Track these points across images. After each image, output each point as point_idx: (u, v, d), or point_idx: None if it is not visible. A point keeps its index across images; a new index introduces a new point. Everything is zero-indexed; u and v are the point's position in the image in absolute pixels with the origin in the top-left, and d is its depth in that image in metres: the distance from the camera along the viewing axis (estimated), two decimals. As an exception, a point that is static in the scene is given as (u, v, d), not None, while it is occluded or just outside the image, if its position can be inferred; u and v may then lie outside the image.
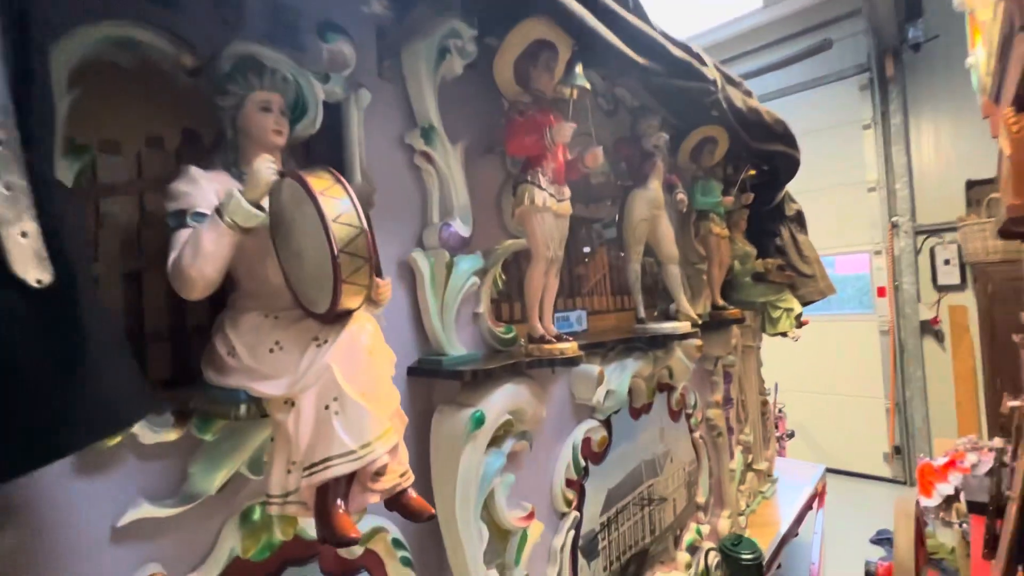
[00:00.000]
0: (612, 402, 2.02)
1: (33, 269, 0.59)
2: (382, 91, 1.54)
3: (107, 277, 1.09)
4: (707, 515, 2.84)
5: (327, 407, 0.86)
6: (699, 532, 2.67)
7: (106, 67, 1.05)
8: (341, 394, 0.86)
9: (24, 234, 0.59)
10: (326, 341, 0.91)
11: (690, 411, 2.74)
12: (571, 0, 1.44)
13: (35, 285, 0.59)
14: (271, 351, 0.92)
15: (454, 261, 1.57)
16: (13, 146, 0.59)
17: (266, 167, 0.89)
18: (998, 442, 3.49)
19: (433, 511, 0.99)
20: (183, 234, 0.90)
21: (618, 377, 2.06)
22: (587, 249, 2.55)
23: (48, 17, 0.80)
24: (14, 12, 0.63)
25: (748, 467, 3.63)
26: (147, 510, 1.00)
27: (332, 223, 0.83)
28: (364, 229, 0.86)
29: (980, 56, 3.00)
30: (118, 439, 0.97)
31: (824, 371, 6.89)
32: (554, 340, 1.59)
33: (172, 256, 0.88)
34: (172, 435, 1.04)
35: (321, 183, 0.87)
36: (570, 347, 1.57)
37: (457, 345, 1.59)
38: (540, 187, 1.57)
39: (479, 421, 1.39)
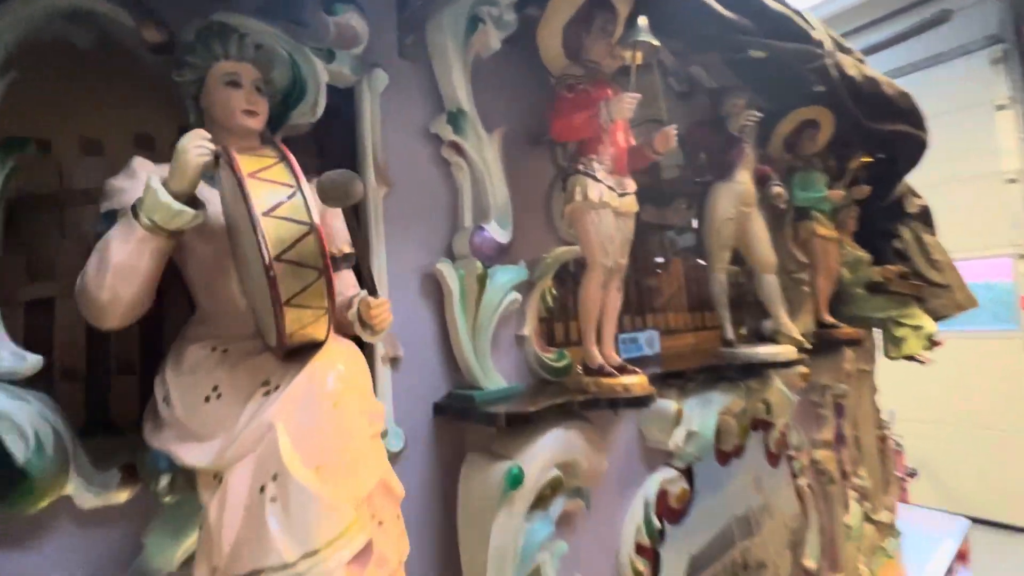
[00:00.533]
0: (694, 446, 1.62)
1: None
2: (404, 73, 1.30)
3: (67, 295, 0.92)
4: (818, 583, 2.30)
5: (262, 489, 0.59)
6: (809, 606, 2.15)
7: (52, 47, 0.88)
8: (282, 471, 0.59)
9: None
10: (276, 387, 0.65)
11: (793, 453, 2.24)
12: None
13: None
14: (207, 399, 0.68)
15: (489, 273, 1.28)
16: None
17: (194, 146, 0.65)
18: None
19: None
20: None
21: (702, 414, 1.66)
22: (659, 258, 2.17)
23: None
24: None
25: (867, 518, 2.98)
26: (84, 594, 0.78)
27: (263, 217, 0.57)
28: (314, 226, 0.60)
29: None
30: (44, 503, 0.77)
31: (953, 397, 5.78)
32: (616, 372, 1.24)
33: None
34: (120, 496, 0.82)
35: (256, 162, 0.62)
36: (637, 382, 1.22)
37: (495, 376, 1.29)
38: (596, 178, 1.24)
39: (516, 480, 1.07)
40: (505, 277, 1.30)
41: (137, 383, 0.95)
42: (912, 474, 5.56)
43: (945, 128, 5.70)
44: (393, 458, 1.16)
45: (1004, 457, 5.57)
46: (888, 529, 3.25)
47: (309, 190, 0.62)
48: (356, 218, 1.21)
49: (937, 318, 2.93)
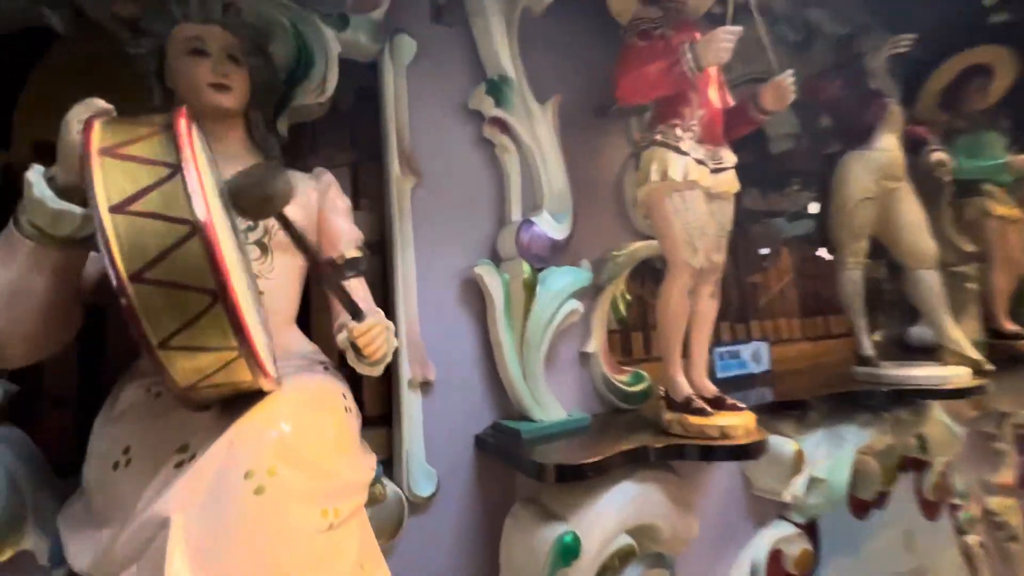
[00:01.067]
0: (820, 496, 1.24)
1: None
2: (439, 40, 1.09)
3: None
4: (997, 674, 1.75)
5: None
6: None
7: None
8: None
9: None
10: (193, 456, 0.46)
11: (958, 502, 1.72)
12: None
13: None
14: (115, 465, 0.51)
15: (540, 277, 1.02)
16: None
17: (74, 120, 0.48)
18: None
19: None
20: None
21: (831, 455, 1.27)
22: (764, 251, 1.77)
23: None
24: None
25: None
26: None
27: (108, 215, 0.38)
28: (198, 224, 0.39)
29: None
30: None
31: None
32: (709, 408, 0.92)
33: None
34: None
35: (125, 131, 0.42)
36: (740, 423, 0.90)
37: (550, 403, 1.04)
38: (679, 150, 0.94)
39: (570, 551, 0.81)
40: (562, 281, 1.04)
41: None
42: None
43: None
44: (423, 505, 0.96)
45: None
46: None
47: (208, 171, 0.43)
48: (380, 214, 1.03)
49: None
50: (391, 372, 0.98)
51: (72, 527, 0.50)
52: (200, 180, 0.40)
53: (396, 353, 0.98)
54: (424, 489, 0.95)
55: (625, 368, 1.19)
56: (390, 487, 0.91)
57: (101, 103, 0.49)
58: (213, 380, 0.44)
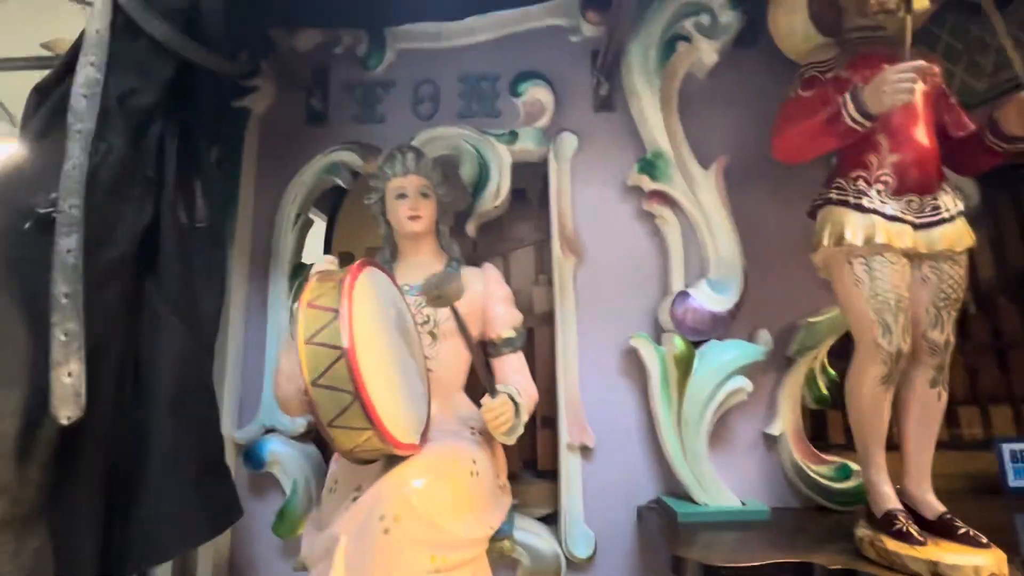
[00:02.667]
0: None
1: (67, 407, 0.66)
2: (602, 128, 1.19)
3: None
4: None
5: (314, 606, 0.61)
6: None
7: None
8: None
9: (69, 374, 0.67)
10: (360, 491, 0.67)
11: None
12: None
13: (64, 422, 0.65)
14: (330, 490, 0.76)
15: (698, 353, 0.98)
16: (77, 298, 0.69)
17: (313, 271, 0.76)
18: None
19: None
20: None
21: None
22: None
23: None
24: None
25: None
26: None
27: (304, 346, 0.60)
28: (344, 350, 0.58)
29: None
30: (294, 535, 1.02)
31: None
32: (918, 535, 0.71)
33: None
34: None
35: (319, 288, 0.66)
36: (968, 564, 0.66)
37: (719, 488, 0.97)
38: (860, 207, 0.79)
39: (710, 662, 0.75)
40: (724, 356, 0.97)
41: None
42: None
43: None
44: (581, 566, 1.02)
45: None
46: None
47: (368, 307, 0.63)
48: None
49: None
50: (550, 433, 1.10)
51: (309, 526, 0.78)
52: (350, 320, 0.62)
53: (557, 417, 1.09)
54: (582, 550, 1.01)
55: (827, 458, 1.00)
56: (548, 541, 1.01)
57: (328, 260, 0.79)
58: (364, 447, 0.64)
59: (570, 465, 1.05)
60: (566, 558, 1.01)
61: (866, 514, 0.80)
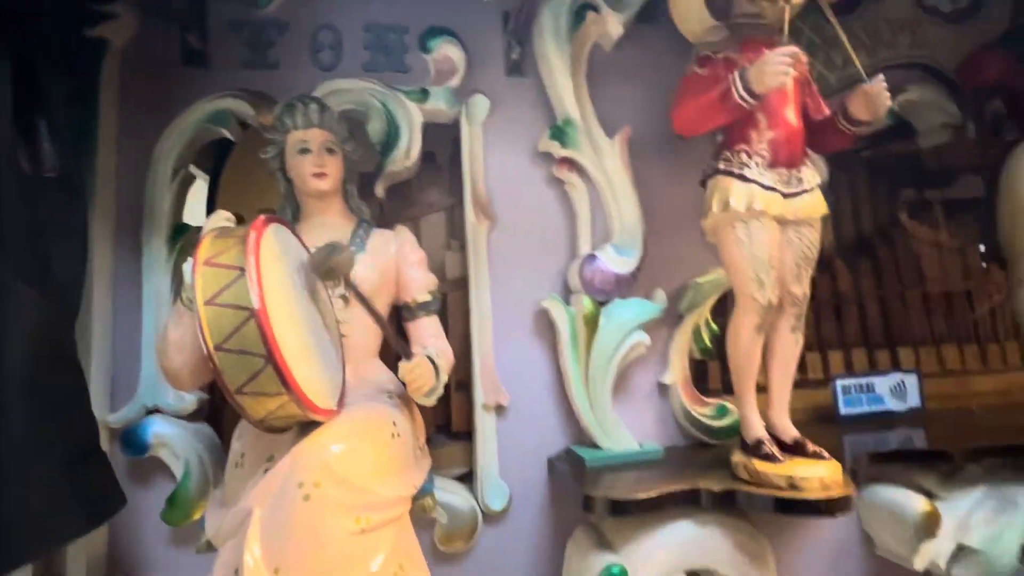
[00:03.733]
0: (973, 570, 1.02)
1: None
2: (514, 92, 1.19)
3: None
4: None
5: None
6: None
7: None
8: (240, 569, 0.56)
9: None
10: (272, 462, 0.64)
11: None
12: None
13: None
14: (236, 465, 0.71)
15: (603, 311, 1.06)
16: None
17: (206, 228, 0.69)
18: None
19: None
20: None
21: (992, 523, 1.04)
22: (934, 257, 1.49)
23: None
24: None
25: None
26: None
27: (204, 306, 0.55)
28: (253, 311, 0.55)
29: None
30: (187, 521, 0.94)
31: None
32: (778, 455, 0.86)
33: None
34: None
35: (218, 244, 0.60)
36: (817, 475, 0.81)
37: (620, 434, 1.06)
38: (743, 177, 0.89)
39: (616, 583, 0.84)
40: (626, 314, 1.05)
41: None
42: None
43: None
44: (496, 518, 1.07)
45: None
46: None
47: (275, 266, 0.59)
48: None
49: None
50: (467, 395, 1.12)
51: (212, 505, 0.72)
52: (259, 278, 0.57)
53: (472, 378, 1.12)
54: (497, 503, 1.05)
55: (708, 400, 1.14)
56: (465, 498, 1.04)
57: (224, 216, 0.71)
58: (277, 415, 0.61)
59: (485, 424, 1.08)
60: (482, 512, 1.05)
61: (740, 443, 0.94)
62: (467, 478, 1.12)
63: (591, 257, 1.07)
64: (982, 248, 1.32)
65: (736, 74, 0.83)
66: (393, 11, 1.17)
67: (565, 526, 1.06)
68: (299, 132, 0.89)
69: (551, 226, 1.17)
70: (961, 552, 1.03)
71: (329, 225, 0.92)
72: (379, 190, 1.11)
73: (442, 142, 1.24)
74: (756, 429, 0.91)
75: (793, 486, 0.81)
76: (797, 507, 0.80)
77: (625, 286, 1.07)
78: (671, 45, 1.12)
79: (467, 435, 1.14)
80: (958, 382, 1.37)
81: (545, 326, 1.13)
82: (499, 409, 1.10)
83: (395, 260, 0.94)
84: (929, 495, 1.04)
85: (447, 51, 1.13)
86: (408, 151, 1.08)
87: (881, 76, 0.85)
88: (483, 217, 1.13)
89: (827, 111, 0.98)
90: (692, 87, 0.93)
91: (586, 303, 1.04)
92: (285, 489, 0.60)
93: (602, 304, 1.06)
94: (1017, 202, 1.15)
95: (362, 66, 1.14)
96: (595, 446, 1.06)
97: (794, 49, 0.81)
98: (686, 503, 0.87)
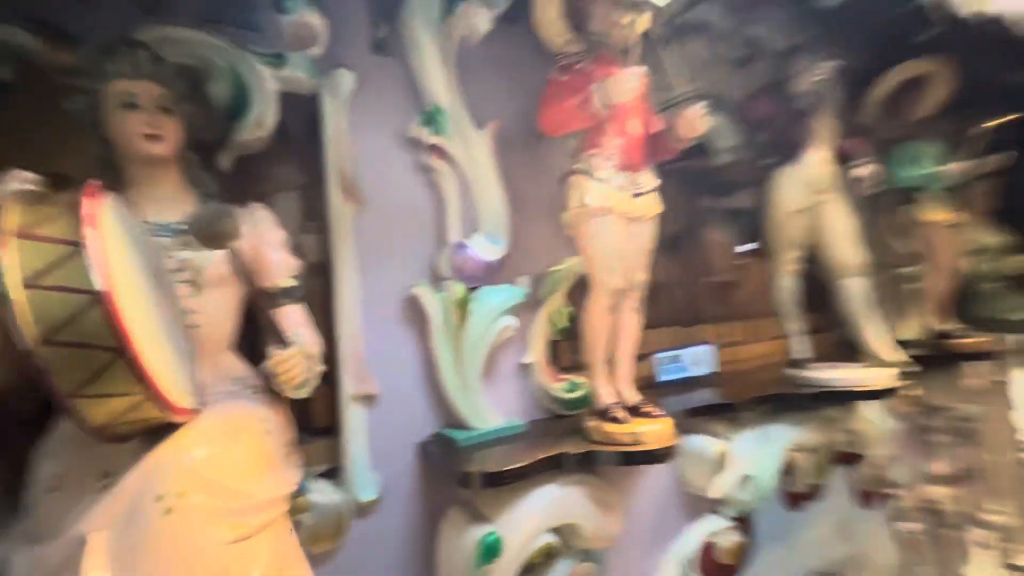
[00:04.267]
0: (750, 492, 1.33)
1: None
2: (379, 71, 1.15)
3: None
4: (930, 651, 1.88)
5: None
6: None
7: None
8: None
9: None
10: (110, 478, 0.54)
11: (894, 492, 1.83)
12: None
13: None
14: (50, 490, 0.58)
15: (473, 296, 1.10)
16: None
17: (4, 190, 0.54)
18: None
19: None
20: None
21: (761, 453, 1.36)
22: (721, 252, 1.84)
23: None
24: None
25: (1011, 568, 2.42)
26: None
27: (24, 290, 0.45)
28: (99, 294, 0.46)
29: None
30: None
31: None
32: (626, 415, 1.01)
33: None
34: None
35: (34, 212, 0.49)
36: (654, 431, 0.98)
37: (488, 412, 1.12)
38: (597, 178, 1.01)
39: (492, 550, 0.90)
40: (495, 300, 1.11)
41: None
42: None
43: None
44: (367, 509, 1.04)
45: None
46: (1037, 578, 2.62)
47: (116, 243, 0.49)
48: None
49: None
50: (334, 386, 1.06)
51: (15, 543, 0.57)
52: (103, 254, 0.47)
53: (338, 368, 1.06)
54: (367, 494, 1.02)
55: (563, 377, 1.27)
56: (330, 495, 0.99)
57: (25, 178, 0.55)
58: (126, 419, 0.51)
59: (353, 415, 1.04)
60: (352, 506, 1.01)
61: (592, 411, 1.07)
62: (331, 474, 1.06)
63: (462, 245, 1.10)
64: (754, 245, 1.71)
65: (596, 85, 0.94)
66: (237, -43, 1.03)
67: (438, 508, 1.08)
68: (124, 83, 0.73)
69: (418, 212, 1.17)
70: (742, 479, 1.34)
71: (165, 199, 0.78)
72: (224, 162, 0.97)
73: (295, 115, 1.14)
74: (606, 396, 1.06)
75: (637, 441, 0.96)
76: (640, 458, 0.95)
77: (493, 273, 1.13)
78: (535, 46, 1.21)
79: (329, 429, 1.08)
80: (738, 350, 1.75)
81: (413, 312, 1.13)
82: (367, 399, 1.06)
83: (253, 240, 0.84)
84: (721, 439, 1.33)
85: (307, 16, 1.03)
86: (260, 121, 0.97)
87: (702, 104, 1.04)
88: (349, 199, 1.07)
89: (660, 126, 1.16)
90: (555, 92, 1.02)
91: (458, 289, 1.07)
92: (138, 506, 0.51)
93: (472, 290, 1.10)
94: (776, 212, 1.51)
95: (201, 15, 0.97)
96: (464, 427, 1.10)
97: (642, 69, 0.94)
98: (550, 468, 0.97)
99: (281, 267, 0.86)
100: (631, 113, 1.06)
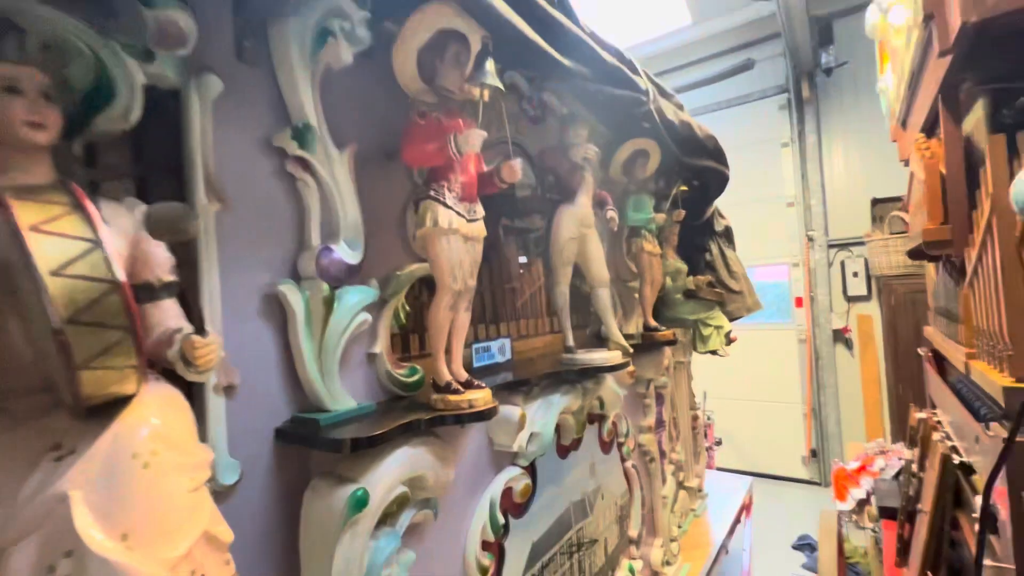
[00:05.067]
0: (537, 445, 1.79)
1: None
2: (242, 78, 1.21)
3: None
4: (639, 548, 2.69)
5: (51, 569, 0.54)
6: (631, 569, 2.51)
7: None
8: (78, 546, 0.55)
9: None
10: (71, 451, 0.60)
11: (622, 440, 2.58)
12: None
13: None
14: None
15: (337, 295, 1.26)
16: None
17: None
18: (905, 453, 3.64)
19: None
20: None
21: (544, 416, 1.83)
22: (515, 264, 2.32)
23: None
24: None
25: (680, 486, 3.56)
26: None
27: (51, 277, 0.52)
28: (117, 283, 0.56)
29: (890, 82, 3.09)
30: None
31: (748, 379, 7.13)
32: (462, 388, 1.32)
33: None
34: None
35: (40, 210, 0.55)
36: (482, 397, 1.32)
37: (343, 397, 1.29)
38: (446, 204, 1.30)
39: (360, 503, 1.10)
40: (354, 298, 1.29)
41: None
42: (719, 443, 6.72)
43: (746, 158, 6.98)
44: (227, 492, 1.10)
45: (778, 423, 7.02)
46: (697, 493, 3.91)
47: (111, 239, 0.57)
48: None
49: (732, 319, 3.58)
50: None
51: None
52: (114, 247, 0.55)
53: (199, 361, 1.09)
54: (228, 479, 1.09)
55: (404, 364, 1.51)
56: (195, 480, 1.03)
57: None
58: (109, 391, 0.58)
59: (215, 405, 1.09)
60: (215, 491, 1.06)
61: (435, 387, 1.35)
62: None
63: (328, 249, 1.25)
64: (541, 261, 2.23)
65: (452, 136, 1.24)
66: (93, -65, 0.98)
67: (294, 484, 1.20)
68: (5, 67, 0.70)
69: (279, 216, 1.27)
70: (531, 436, 1.79)
71: (39, 188, 0.75)
72: (77, 149, 0.93)
73: (155, 109, 1.11)
74: (445, 375, 1.35)
75: (471, 406, 1.28)
76: (474, 417, 1.28)
77: (353, 275, 1.31)
78: (389, 81, 1.42)
79: (180, 423, 1.09)
80: (527, 342, 2.25)
81: (273, 308, 1.23)
82: (228, 390, 1.12)
83: (133, 233, 0.86)
84: (519, 407, 1.75)
85: (175, 15, 1.05)
86: (127, 113, 0.96)
87: (519, 159, 1.43)
88: (214, 199, 1.11)
89: (484, 169, 1.52)
90: (416, 133, 1.28)
91: (324, 288, 1.22)
92: (116, 464, 0.59)
93: (335, 289, 1.26)
94: (555, 239, 2.04)
95: (51, -8, 0.91)
96: (323, 410, 1.25)
97: (483, 132, 1.28)
98: (404, 433, 1.21)
99: (162, 261, 0.90)
100: (471, 158, 1.38)
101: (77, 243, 0.55)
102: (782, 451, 6.89)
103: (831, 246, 6.64)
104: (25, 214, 0.54)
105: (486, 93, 1.35)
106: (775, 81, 6.88)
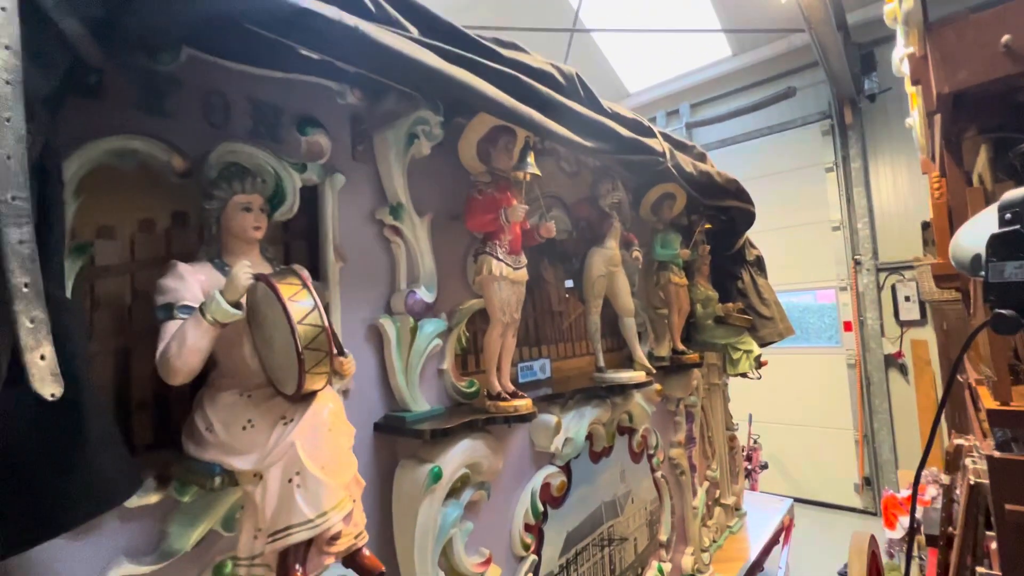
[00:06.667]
0: (570, 449, 2.16)
1: (48, 385, 0.74)
2: (355, 172, 1.72)
3: (101, 351, 1.22)
4: (669, 552, 2.96)
5: (290, 480, 1.00)
6: (660, 570, 2.79)
7: (105, 170, 1.21)
8: (303, 469, 1.00)
9: (43, 357, 0.74)
10: (292, 420, 1.06)
11: (652, 452, 2.89)
12: (518, 104, 1.65)
13: (49, 399, 0.74)
14: (244, 428, 1.06)
15: (418, 325, 1.72)
16: (37, 286, 0.74)
17: (243, 273, 1.05)
18: (943, 478, 3.67)
19: (383, 568, 1.12)
20: (170, 326, 1.04)
21: (576, 424, 2.21)
22: (558, 297, 2.73)
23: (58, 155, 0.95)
24: (34, 157, 0.79)
25: (715, 502, 3.76)
26: (127, 568, 1.11)
27: (298, 325, 0.99)
28: (325, 327, 1.02)
29: (916, 118, 3.29)
30: None
31: (796, 403, 7.08)
32: (509, 397, 1.74)
33: (160, 347, 1.02)
34: (153, 498, 1.16)
35: (289, 289, 1.03)
36: (524, 404, 1.72)
37: (421, 401, 1.73)
38: (497, 258, 1.74)
39: (437, 476, 1.53)
40: (430, 328, 1.75)
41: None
42: (764, 467, 6.70)
43: (789, 183, 7.07)
44: (344, 465, 1.57)
45: (828, 449, 6.89)
46: (734, 511, 4.08)
47: (320, 303, 1.04)
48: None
49: (763, 344, 3.80)
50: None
51: (224, 456, 1.02)
52: (321, 308, 1.02)
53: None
54: (345, 456, 1.55)
55: (464, 377, 1.95)
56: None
57: (248, 264, 1.06)
58: (313, 386, 1.04)
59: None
60: (337, 462, 1.53)
61: (488, 396, 1.78)
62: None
63: (412, 292, 1.72)
64: (570, 284, 2.63)
65: (504, 210, 1.69)
66: (270, 92, 1.51)
67: (387, 464, 1.65)
68: (245, 196, 1.21)
69: (378, 268, 1.75)
70: (565, 440, 2.17)
71: (255, 266, 1.26)
72: (299, 270, 1.43)
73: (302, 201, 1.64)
74: (496, 386, 1.77)
75: (516, 410, 1.70)
76: (518, 419, 1.69)
77: (430, 310, 1.77)
78: (456, 165, 1.90)
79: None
80: (565, 362, 2.64)
81: (374, 336, 1.70)
82: (346, 393, 1.60)
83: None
84: (555, 416, 2.14)
85: (318, 136, 1.57)
86: (292, 208, 1.47)
87: (553, 217, 1.85)
88: (339, 258, 1.61)
89: (528, 226, 1.96)
90: (476, 206, 1.74)
91: (410, 320, 1.69)
92: (316, 427, 1.05)
93: (417, 321, 1.73)
94: (587, 276, 2.44)
95: (246, 132, 1.44)
96: (408, 410, 1.70)
97: (527, 207, 1.72)
98: (467, 428, 1.64)
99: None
100: (516, 223, 1.83)
101: (308, 305, 1.02)
102: (832, 478, 6.77)
103: (880, 270, 6.58)
104: (283, 290, 1.02)
105: (527, 177, 1.79)
106: (817, 108, 6.98)
